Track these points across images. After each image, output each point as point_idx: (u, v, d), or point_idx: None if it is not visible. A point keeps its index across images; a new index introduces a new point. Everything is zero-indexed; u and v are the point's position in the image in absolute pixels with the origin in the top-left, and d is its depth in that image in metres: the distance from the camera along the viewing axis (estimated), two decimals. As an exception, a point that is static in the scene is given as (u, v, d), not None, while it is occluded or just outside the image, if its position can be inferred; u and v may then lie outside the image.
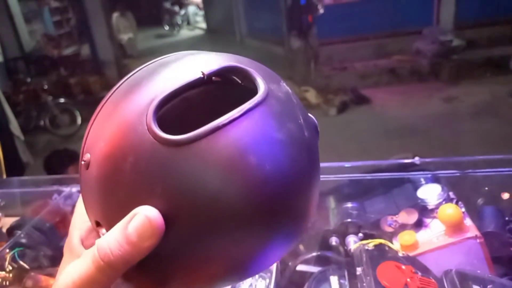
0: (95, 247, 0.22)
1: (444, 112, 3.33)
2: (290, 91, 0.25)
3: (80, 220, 0.28)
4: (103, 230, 0.23)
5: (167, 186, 0.20)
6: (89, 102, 4.57)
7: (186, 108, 0.23)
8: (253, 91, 0.22)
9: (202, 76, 0.22)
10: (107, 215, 0.23)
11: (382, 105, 3.65)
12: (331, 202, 0.68)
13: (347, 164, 0.74)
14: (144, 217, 0.20)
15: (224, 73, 0.24)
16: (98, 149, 0.22)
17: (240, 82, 0.25)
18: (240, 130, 0.20)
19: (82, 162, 0.23)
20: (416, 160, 0.74)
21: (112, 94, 0.24)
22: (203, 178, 0.20)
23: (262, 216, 0.21)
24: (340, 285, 0.52)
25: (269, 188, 0.21)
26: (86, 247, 0.26)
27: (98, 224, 0.24)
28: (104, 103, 0.24)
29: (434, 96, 3.58)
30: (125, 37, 6.13)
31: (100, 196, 0.23)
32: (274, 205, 0.21)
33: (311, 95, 3.89)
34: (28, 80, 4.07)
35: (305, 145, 0.23)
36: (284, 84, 0.25)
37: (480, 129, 2.86)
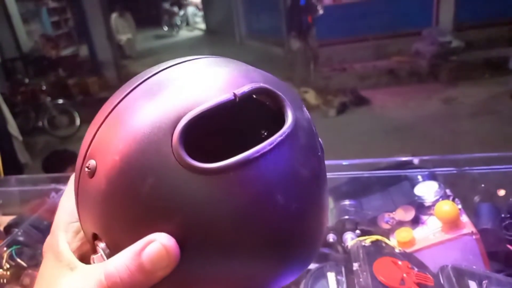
0: (101, 271, 0.20)
1: (443, 113, 3.34)
2: (310, 117, 0.24)
3: (66, 219, 0.25)
4: (102, 244, 0.21)
5: (188, 215, 0.19)
6: (88, 103, 4.57)
7: (205, 124, 0.21)
8: (275, 113, 0.22)
9: (233, 98, 0.21)
10: (112, 232, 0.21)
11: (382, 106, 3.65)
12: (329, 200, 0.68)
13: (345, 162, 0.74)
14: (161, 246, 0.19)
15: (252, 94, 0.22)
16: (110, 160, 0.20)
17: (259, 99, 0.24)
18: (270, 165, 0.20)
19: (86, 169, 0.21)
20: (415, 159, 0.74)
21: (126, 96, 0.22)
22: (228, 210, 0.20)
23: (280, 249, 0.21)
24: (337, 281, 0.52)
25: (291, 225, 0.21)
26: (73, 252, 0.24)
27: (96, 237, 0.22)
28: (116, 106, 0.22)
29: (433, 97, 3.59)
30: (123, 37, 6.14)
31: (105, 211, 0.21)
32: (293, 239, 0.22)
33: (311, 96, 3.90)
34: (26, 81, 4.07)
35: (322, 177, 0.24)
36: (305, 107, 0.25)
37: (479, 130, 2.87)
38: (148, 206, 0.20)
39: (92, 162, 0.21)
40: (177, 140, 0.19)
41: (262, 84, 0.22)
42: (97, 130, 0.22)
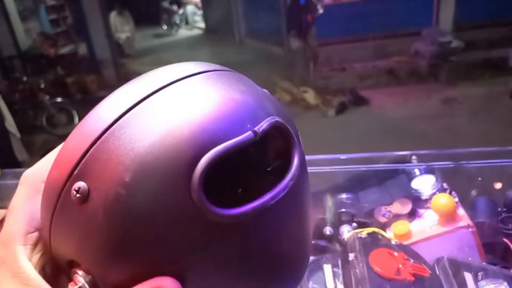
0: None
1: (443, 113, 3.34)
2: (301, 144, 0.24)
3: (23, 229, 0.21)
4: (81, 272, 0.19)
5: (200, 258, 0.19)
6: (87, 102, 4.57)
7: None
8: (279, 145, 0.21)
9: (254, 137, 0.19)
10: (100, 263, 0.19)
11: (381, 106, 3.66)
12: (326, 194, 0.68)
13: (342, 156, 0.74)
14: None
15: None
16: (113, 192, 0.18)
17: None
18: (283, 210, 0.20)
19: (74, 192, 0.18)
20: (413, 158, 0.74)
21: (128, 112, 0.19)
22: (236, 254, 0.20)
23: (278, 280, 0.22)
24: (334, 273, 0.52)
25: (291, 263, 0.22)
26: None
27: (72, 264, 0.20)
28: (116, 121, 0.18)
29: (433, 97, 3.59)
30: (122, 36, 6.13)
31: (97, 242, 0.18)
32: (291, 272, 0.22)
33: (310, 96, 3.90)
34: (25, 79, 4.06)
35: (311, 215, 0.24)
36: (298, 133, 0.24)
37: (478, 130, 2.88)
38: (155, 246, 0.18)
39: (82, 185, 0.18)
40: (197, 182, 0.17)
41: (278, 119, 0.20)
42: (91, 146, 0.18)
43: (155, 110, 0.19)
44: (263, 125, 0.19)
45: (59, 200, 0.19)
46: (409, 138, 2.90)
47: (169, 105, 0.19)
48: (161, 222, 0.18)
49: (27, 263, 0.20)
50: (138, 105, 0.19)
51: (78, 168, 0.18)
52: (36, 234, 0.21)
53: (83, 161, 0.18)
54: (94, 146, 0.18)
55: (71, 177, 0.18)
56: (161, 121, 0.18)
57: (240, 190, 0.21)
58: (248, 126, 0.19)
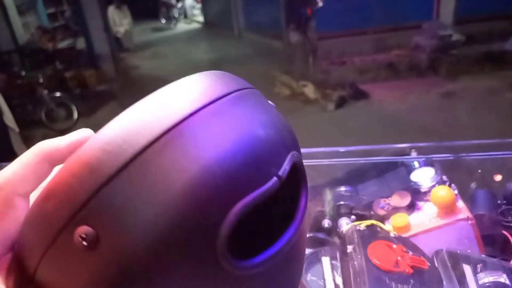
0: None
1: (443, 107, 3.33)
2: None
3: None
4: None
5: None
6: (86, 96, 4.56)
7: None
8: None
9: (278, 183, 0.18)
10: None
11: (381, 100, 3.65)
12: (325, 186, 0.67)
13: (341, 149, 0.74)
14: None
15: None
16: (130, 247, 0.15)
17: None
18: (292, 253, 0.20)
19: (81, 239, 0.16)
20: (413, 153, 0.74)
21: (146, 150, 0.16)
22: None
23: None
24: (332, 265, 0.52)
25: None
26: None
27: None
28: (132, 160, 0.15)
29: (433, 91, 3.58)
30: (121, 30, 6.10)
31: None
32: None
33: (309, 90, 3.89)
34: (23, 73, 4.04)
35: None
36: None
37: (478, 124, 2.87)
38: None
39: (90, 232, 0.15)
40: (225, 237, 0.16)
41: (295, 154, 0.20)
42: (104, 184, 0.15)
43: (177, 152, 0.16)
44: (285, 167, 0.18)
45: (57, 239, 0.16)
46: (409, 132, 2.89)
47: (192, 146, 0.16)
48: (181, 278, 0.16)
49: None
50: (155, 144, 0.16)
51: (86, 209, 0.15)
52: (9, 256, 0.19)
53: (92, 201, 0.15)
54: (108, 186, 0.15)
55: (75, 218, 0.16)
56: (185, 166, 0.16)
57: (254, 237, 0.20)
58: (273, 170, 0.18)
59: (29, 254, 0.18)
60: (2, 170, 0.19)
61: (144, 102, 0.17)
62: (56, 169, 0.20)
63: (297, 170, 0.20)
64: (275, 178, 0.18)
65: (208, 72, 0.20)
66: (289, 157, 0.19)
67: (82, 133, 0.20)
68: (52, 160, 0.20)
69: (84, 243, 0.15)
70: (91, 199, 0.15)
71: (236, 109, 0.18)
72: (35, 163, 0.19)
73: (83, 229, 0.15)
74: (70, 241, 0.16)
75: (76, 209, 0.16)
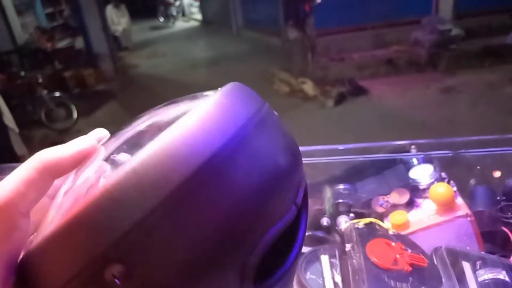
0: None
1: (442, 102, 3.33)
2: None
3: (1, 276, 0.17)
4: None
5: None
6: (85, 96, 4.55)
7: None
8: None
9: (295, 212, 0.19)
10: None
11: (380, 96, 3.64)
12: (324, 184, 0.67)
13: (340, 147, 0.74)
14: None
15: None
16: (157, 275, 0.15)
17: None
18: (292, 268, 0.21)
19: (112, 277, 0.15)
20: (412, 148, 0.73)
21: (181, 188, 0.15)
22: None
23: None
24: (331, 264, 0.52)
25: None
26: None
27: None
28: (166, 199, 0.15)
29: (432, 86, 3.58)
30: (119, 28, 6.09)
31: None
32: None
33: (308, 87, 3.88)
34: (22, 73, 4.04)
35: None
36: None
37: (477, 119, 2.87)
38: None
39: (121, 269, 0.15)
40: (255, 265, 0.17)
41: (305, 179, 0.20)
42: (134, 226, 0.15)
43: (210, 188, 0.16)
44: (300, 194, 0.19)
45: (83, 272, 0.16)
46: (409, 128, 2.89)
47: (224, 181, 0.16)
48: None
49: None
50: (193, 177, 0.16)
51: (117, 246, 0.15)
52: (12, 278, 0.18)
53: (125, 240, 0.15)
54: (142, 224, 0.15)
55: (106, 255, 0.15)
56: (218, 202, 0.16)
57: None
58: (292, 197, 0.18)
59: (45, 283, 0.17)
60: (0, 185, 0.18)
61: (174, 133, 0.17)
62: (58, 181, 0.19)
63: (304, 195, 0.20)
64: (293, 207, 0.18)
65: (227, 90, 0.19)
66: (303, 183, 0.20)
67: (86, 143, 0.20)
68: (55, 173, 0.19)
69: (116, 281, 0.15)
70: (123, 237, 0.15)
71: (259, 136, 0.18)
72: (37, 179, 0.18)
73: (115, 268, 0.15)
74: (99, 277, 0.15)
75: (107, 246, 0.15)
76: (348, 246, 0.47)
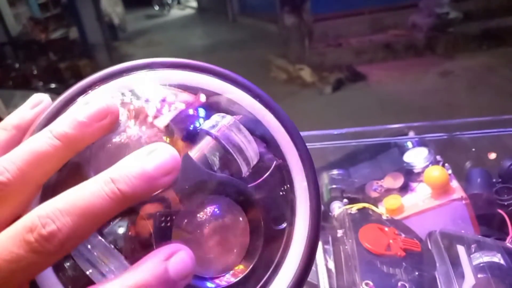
0: None
1: (440, 86, 3.30)
2: None
3: None
4: None
5: None
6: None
7: None
8: None
9: None
10: None
11: (378, 81, 3.62)
12: (318, 170, 0.66)
13: (335, 132, 0.72)
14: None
15: None
16: None
17: None
18: None
19: None
20: (410, 132, 0.72)
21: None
22: None
23: None
24: (324, 250, 0.51)
25: None
26: None
27: None
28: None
29: (430, 70, 3.54)
30: (115, 18, 6.01)
31: None
32: None
33: (306, 73, 3.84)
34: (17, 65, 3.99)
35: None
36: None
37: (476, 103, 2.85)
38: None
39: None
40: None
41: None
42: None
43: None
44: None
45: None
46: (408, 112, 2.87)
47: None
48: None
49: None
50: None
51: None
52: None
53: None
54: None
55: None
56: None
57: None
58: None
59: None
60: None
61: None
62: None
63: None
64: None
65: None
66: None
67: (38, 100, 0.24)
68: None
69: None
70: None
71: None
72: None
73: None
74: None
75: None
76: (340, 232, 0.47)
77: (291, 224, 0.21)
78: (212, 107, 0.22)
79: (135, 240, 0.19)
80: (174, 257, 0.18)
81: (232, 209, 0.21)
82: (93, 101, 0.20)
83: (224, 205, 0.21)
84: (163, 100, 0.21)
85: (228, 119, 0.21)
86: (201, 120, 0.21)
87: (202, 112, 0.21)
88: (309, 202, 0.21)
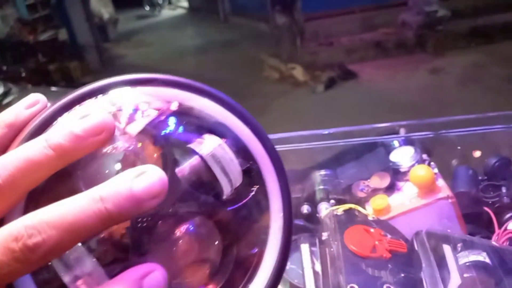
0: None
1: (431, 83, 3.33)
2: None
3: None
4: None
5: None
6: (71, 89, 4.45)
7: None
8: None
9: None
10: None
11: (369, 80, 3.64)
12: (305, 171, 0.65)
13: (325, 131, 0.72)
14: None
15: None
16: None
17: None
18: None
19: None
20: (401, 130, 0.72)
21: None
22: None
23: None
24: (312, 252, 0.51)
25: None
26: None
27: None
28: None
29: (420, 68, 3.57)
30: (106, 19, 5.96)
31: None
32: None
33: (298, 72, 3.85)
34: (4, 68, 3.94)
35: None
36: None
37: (466, 99, 2.88)
38: None
39: None
40: None
41: None
42: None
43: None
44: None
45: None
46: (399, 110, 2.89)
47: None
48: None
49: None
50: None
51: None
52: None
53: None
54: None
55: None
56: None
57: None
58: None
59: None
60: None
61: None
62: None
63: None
64: None
65: None
66: None
67: (35, 100, 0.23)
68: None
69: None
70: None
71: None
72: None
73: None
74: None
75: None
76: (325, 235, 0.46)
77: (262, 250, 0.22)
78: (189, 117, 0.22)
79: (109, 244, 0.19)
80: (149, 277, 0.19)
81: (208, 228, 0.21)
82: (90, 115, 0.20)
83: (201, 224, 0.21)
84: (137, 110, 0.22)
85: (216, 140, 0.21)
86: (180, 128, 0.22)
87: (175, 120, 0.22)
88: (282, 233, 0.22)
